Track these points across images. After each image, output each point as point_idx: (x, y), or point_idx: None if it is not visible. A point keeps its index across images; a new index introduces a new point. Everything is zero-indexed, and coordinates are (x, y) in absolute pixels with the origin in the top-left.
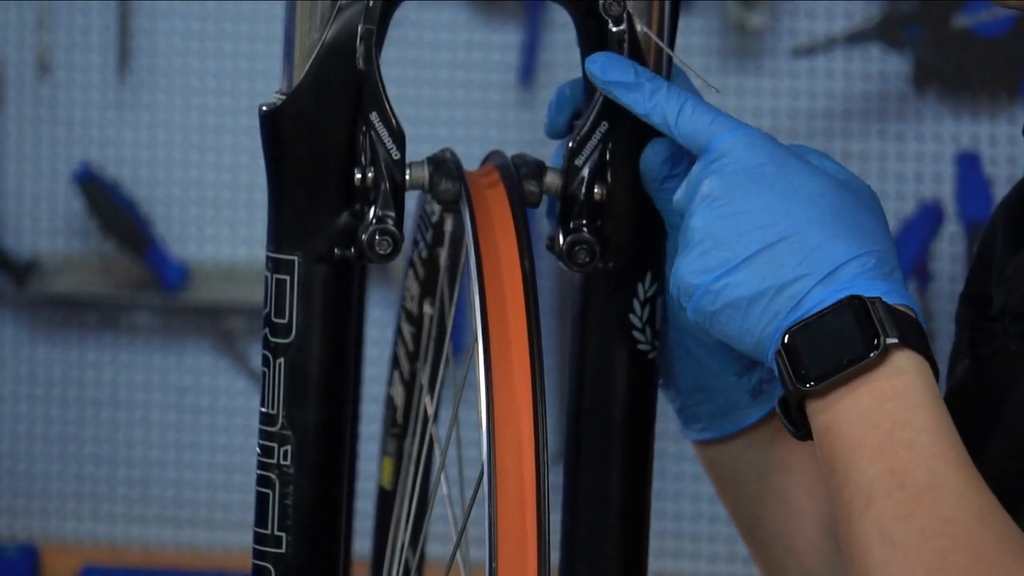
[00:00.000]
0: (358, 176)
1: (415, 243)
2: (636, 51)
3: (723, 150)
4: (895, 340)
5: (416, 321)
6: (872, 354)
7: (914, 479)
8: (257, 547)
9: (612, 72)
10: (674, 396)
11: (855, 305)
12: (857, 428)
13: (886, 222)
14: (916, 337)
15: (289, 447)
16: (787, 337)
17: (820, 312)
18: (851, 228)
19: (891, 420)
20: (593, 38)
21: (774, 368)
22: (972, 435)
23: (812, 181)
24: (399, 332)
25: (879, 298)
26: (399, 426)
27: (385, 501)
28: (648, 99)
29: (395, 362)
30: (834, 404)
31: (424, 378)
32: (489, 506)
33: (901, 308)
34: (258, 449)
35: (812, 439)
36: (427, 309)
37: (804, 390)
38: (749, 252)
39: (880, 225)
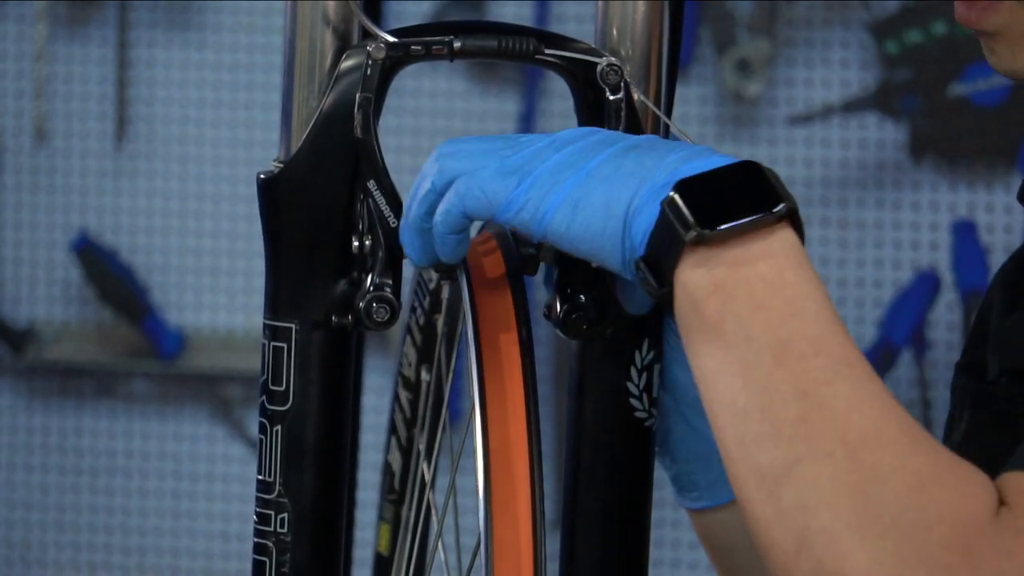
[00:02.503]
0: (355, 244)
1: (412, 310)
2: (633, 119)
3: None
4: (792, 207)
5: (413, 387)
6: (776, 209)
7: (829, 350)
8: None
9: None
10: (669, 464)
11: (751, 169)
12: (758, 290)
13: None
14: (796, 208)
15: (286, 515)
16: (680, 186)
17: (715, 169)
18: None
19: (793, 289)
20: (590, 107)
21: (644, 233)
22: None
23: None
24: (396, 398)
25: (767, 167)
26: (396, 492)
27: (381, 567)
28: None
29: (392, 428)
30: (727, 261)
31: (422, 444)
32: (486, 575)
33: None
34: (255, 517)
35: (670, 297)
36: (424, 376)
37: (703, 233)
38: (605, 153)
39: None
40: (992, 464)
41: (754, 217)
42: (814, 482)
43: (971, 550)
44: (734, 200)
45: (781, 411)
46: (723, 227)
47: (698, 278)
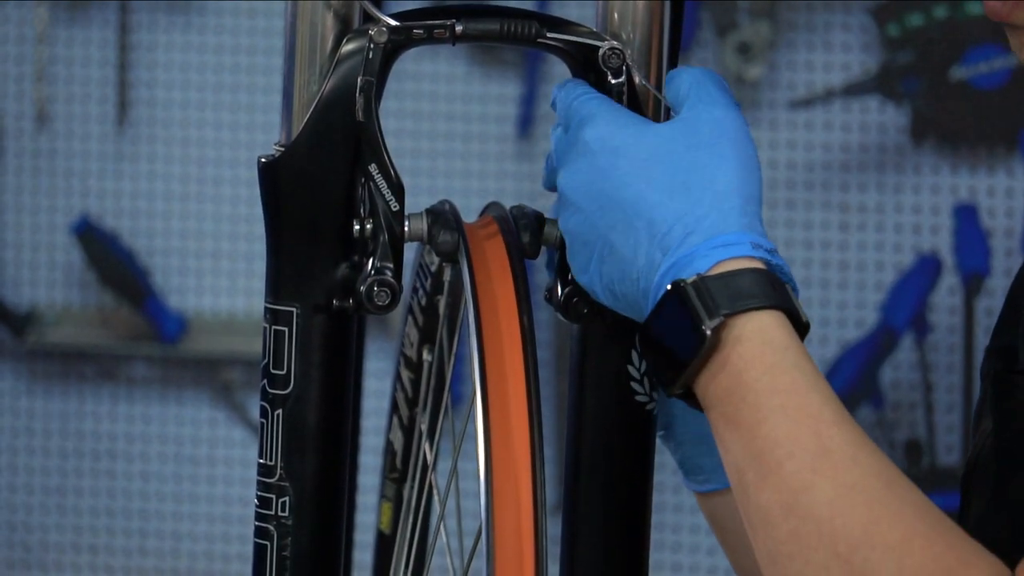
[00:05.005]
0: (357, 227)
1: (414, 290)
2: (635, 103)
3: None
4: (720, 319)
5: (415, 367)
6: (703, 345)
7: (802, 447)
8: None
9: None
10: (675, 447)
11: (677, 295)
12: (727, 406)
13: (733, 150)
14: (751, 293)
15: (287, 499)
16: (638, 339)
17: (653, 310)
18: (676, 185)
19: (754, 390)
20: None
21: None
22: (994, 487)
23: (635, 145)
24: (398, 378)
25: (696, 277)
26: (398, 471)
27: (383, 545)
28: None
29: (394, 407)
30: (699, 386)
31: (423, 425)
32: (488, 560)
33: (729, 267)
34: (256, 501)
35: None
36: (426, 356)
37: (670, 392)
38: (594, 251)
39: (712, 160)
40: (1017, 451)
41: (691, 365)
42: None
43: None
44: (675, 344)
45: (774, 530)
46: (680, 381)
47: (701, 402)
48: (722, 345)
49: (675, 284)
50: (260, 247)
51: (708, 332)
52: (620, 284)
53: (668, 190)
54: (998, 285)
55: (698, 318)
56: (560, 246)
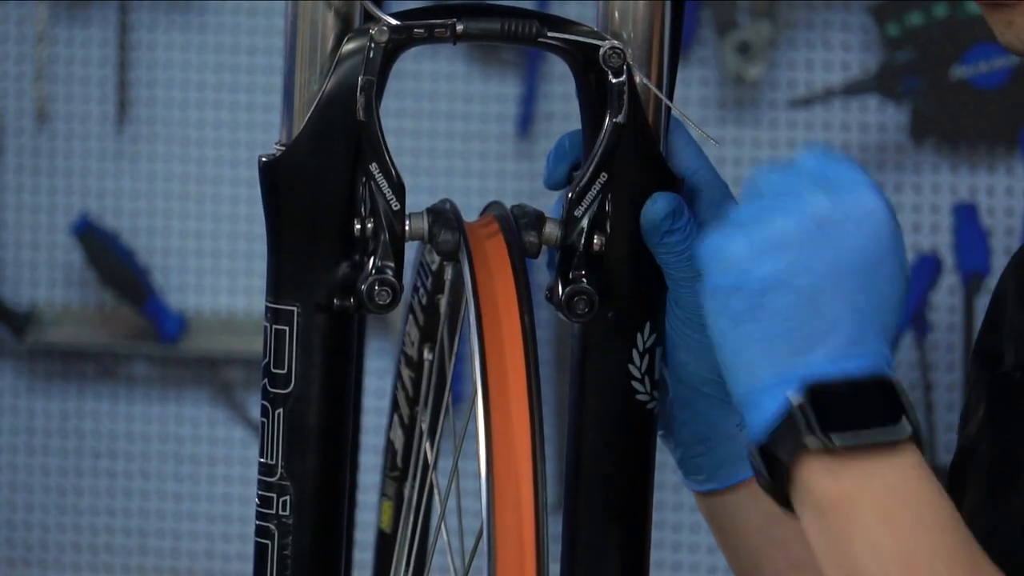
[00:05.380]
0: (357, 227)
1: (415, 289)
2: (635, 103)
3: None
4: (913, 428)
5: (416, 366)
6: (904, 433)
7: (957, 561)
8: None
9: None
10: (675, 447)
11: (884, 385)
12: (887, 504)
13: (902, 268)
14: (920, 431)
15: (288, 497)
16: (813, 386)
17: (849, 379)
18: (872, 297)
19: (919, 502)
20: (592, 90)
21: (765, 409)
22: (991, 490)
23: (840, 248)
24: (399, 376)
25: (899, 382)
26: (399, 469)
27: (384, 544)
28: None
29: (395, 406)
30: (854, 472)
31: (424, 423)
32: (489, 559)
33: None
34: (257, 500)
35: (787, 496)
36: (427, 355)
37: (830, 445)
38: (799, 279)
39: (887, 278)
40: (1008, 458)
41: (883, 436)
42: None
43: None
44: (870, 415)
45: None
46: (852, 443)
47: (824, 486)
48: (899, 451)
49: (884, 378)
50: (260, 246)
51: (912, 427)
52: (797, 316)
53: (869, 299)
54: None
55: (905, 413)
56: (562, 246)
